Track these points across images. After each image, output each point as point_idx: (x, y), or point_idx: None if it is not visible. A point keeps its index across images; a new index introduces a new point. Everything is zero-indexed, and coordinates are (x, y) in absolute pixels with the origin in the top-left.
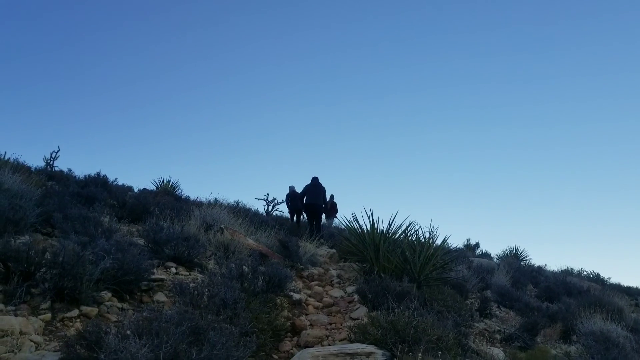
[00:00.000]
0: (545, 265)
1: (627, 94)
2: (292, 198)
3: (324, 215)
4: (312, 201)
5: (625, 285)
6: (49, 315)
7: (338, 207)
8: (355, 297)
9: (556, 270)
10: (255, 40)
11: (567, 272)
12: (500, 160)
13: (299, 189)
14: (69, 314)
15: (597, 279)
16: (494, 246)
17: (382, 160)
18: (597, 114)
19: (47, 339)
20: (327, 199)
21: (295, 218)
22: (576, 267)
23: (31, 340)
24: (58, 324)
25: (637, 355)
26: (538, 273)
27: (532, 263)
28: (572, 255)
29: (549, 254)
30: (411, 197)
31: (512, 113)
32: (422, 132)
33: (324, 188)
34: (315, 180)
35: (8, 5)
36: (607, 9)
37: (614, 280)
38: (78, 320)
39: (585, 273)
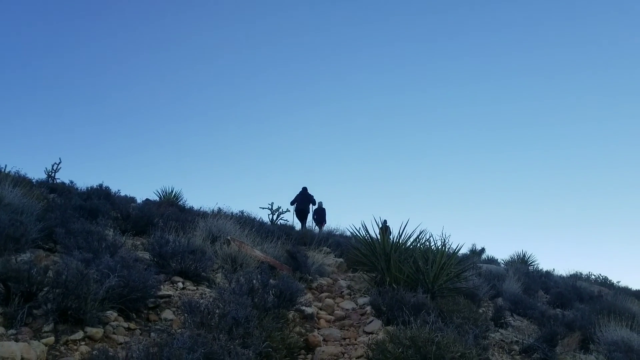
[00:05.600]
0: (554, 270)
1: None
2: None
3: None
4: (301, 207)
5: (634, 289)
6: (52, 339)
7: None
8: (368, 309)
9: (564, 274)
10: (257, 44)
11: (576, 277)
12: (502, 162)
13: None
14: (73, 337)
15: (605, 282)
16: (498, 251)
17: (381, 163)
18: (603, 113)
19: None
20: (317, 205)
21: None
22: (584, 271)
23: None
24: (62, 348)
25: None
26: (547, 278)
27: (540, 268)
28: (578, 257)
29: (554, 257)
30: (412, 201)
31: (516, 114)
32: (422, 134)
33: (311, 196)
34: (304, 189)
35: (9, 9)
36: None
37: (622, 283)
38: (83, 342)
39: (593, 277)
